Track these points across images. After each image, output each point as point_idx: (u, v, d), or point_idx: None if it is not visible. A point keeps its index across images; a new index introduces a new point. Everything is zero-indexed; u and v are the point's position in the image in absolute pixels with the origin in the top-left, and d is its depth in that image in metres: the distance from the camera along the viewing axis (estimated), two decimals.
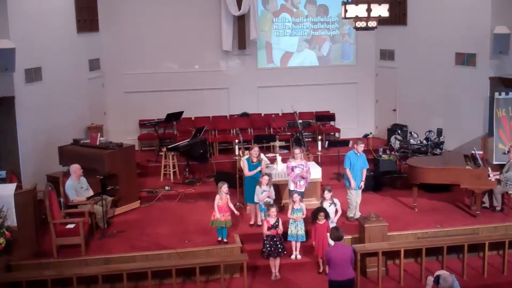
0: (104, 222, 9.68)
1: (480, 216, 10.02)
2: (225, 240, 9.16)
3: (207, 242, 9.14)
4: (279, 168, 10.65)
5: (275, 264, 8.63)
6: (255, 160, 9.89)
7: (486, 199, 10.41)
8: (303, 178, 9.61)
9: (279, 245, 8.51)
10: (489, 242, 8.75)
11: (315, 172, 10.58)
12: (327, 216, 8.63)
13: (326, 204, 8.89)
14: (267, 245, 8.49)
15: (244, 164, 10.00)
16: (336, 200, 9.05)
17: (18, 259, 8.44)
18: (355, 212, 10.01)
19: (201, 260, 8.47)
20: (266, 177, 9.42)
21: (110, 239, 9.40)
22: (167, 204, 11.16)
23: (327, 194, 8.93)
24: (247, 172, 9.90)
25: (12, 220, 8.39)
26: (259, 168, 9.86)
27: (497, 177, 10.15)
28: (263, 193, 9.38)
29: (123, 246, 9.12)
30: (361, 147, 9.87)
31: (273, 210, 8.52)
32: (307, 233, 9.04)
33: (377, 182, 11.75)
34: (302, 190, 9.61)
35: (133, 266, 8.31)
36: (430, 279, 6.25)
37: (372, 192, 11.56)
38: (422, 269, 8.59)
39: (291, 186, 9.68)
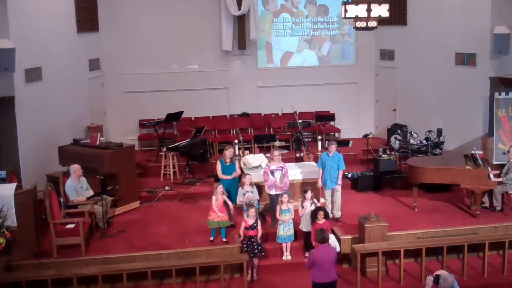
0: (104, 222, 9.67)
1: (480, 216, 10.02)
2: (224, 239, 9.15)
3: (207, 242, 9.14)
4: None
5: (253, 264, 8.61)
6: (228, 161, 9.79)
7: (486, 199, 10.41)
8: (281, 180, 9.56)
9: (255, 246, 8.50)
10: (489, 242, 8.75)
11: (315, 172, 10.57)
12: (326, 215, 8.64)
13: (307, 204, 8.91)
14: (244, 245, 8.51)
15: (217, 165, 9.90)
16: (316, 200, 9.08)
17: (18, 259, 8.45)
18: (334, 212, 9.94)
19: (201, 260, 8.47)
20: (248, 177, 9.35)
21: (110, 239, 9.40)
22: (167, 204, 11.16)
23: (308, 194, 8.93)
24: (220, 175, 9.82)
25: (12, 220, 8.39)
26: (232, 176, 9.80)
27: (499, 179, 10.12)
28: (245, 194, 9.29)
29: (123, 246, 9.12)
30: (331, 147, 9.81)
31: (253, 211, 8.52)
32: (296, 233, 9.04)
33: (377, 182, 11.75)
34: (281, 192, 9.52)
35: (133, 266, 8.31)
36: (430, 279, 6.24)
37: (372, 192, 11.57)
38: (422, 269, 8.59)
39: (272, 191, 9.57)
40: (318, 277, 7.13)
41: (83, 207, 9.45)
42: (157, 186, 11.86)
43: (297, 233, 9.13)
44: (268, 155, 12.06)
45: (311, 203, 8.91)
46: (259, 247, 8.55)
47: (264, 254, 8.73)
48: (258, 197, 9.46)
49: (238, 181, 9.91)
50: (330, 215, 9.81)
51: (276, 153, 9.72)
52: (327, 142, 10.26)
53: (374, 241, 8.67)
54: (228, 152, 9.80)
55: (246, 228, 8.52)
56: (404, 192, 11.32)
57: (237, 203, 9.71)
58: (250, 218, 8.53)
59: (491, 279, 8.64)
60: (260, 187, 9.98)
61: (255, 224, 8.54)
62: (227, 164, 9.84)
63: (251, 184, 9.40)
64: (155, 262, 8.52)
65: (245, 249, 8.50)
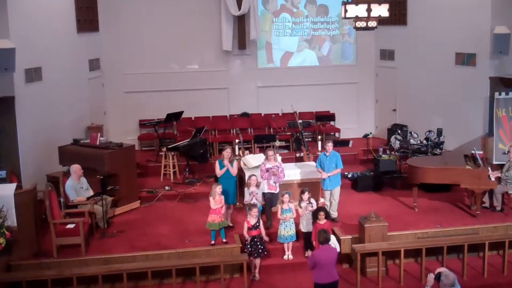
0: (104, 222, 9.67)
1: (480, 216, 10.02)
2: (224, 240, 9.15)
3: (207, 242, 9.13)
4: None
5: (255, 264, 8.62)
6: (225, 161, 9.76)
7: (486, 199, 10.41)
8: (274, 175, 9.59)
9: (259, 246, 8.51)
10: (489, 242, 8.75)
11: (315, 172, 10.57)
12: (327, 216, 8.63)
13: (303, 205, 8.90)
14: (248, 246, 8.51)
15: (216, 165, 9.88)
16: (313, 200, 9.04)
17: (18, 259, 8.45)
18: (331, 212, 9.93)
19: (201, 260, 8.47)
20: (254, 178, 9.34)
21: (110, 239, 9.40)
22: (167, 204, 11.16)
23: (306, 195, 8.93)
24: (217, 172, 9.82)
25: (12, 220, 8.39)
26: (224, 169, 9.72)
27: (498, 175, 10.16)
28: (251, 194, 9.28)
29: (123, 246, 9.12)
30: (328, 146, 9.82)
31: (255, 211, 8.52)
32: (298, 233, 9.05)
33: (377, 182, 11.75)
34: (276, 191, 9.60)
35: (133, 266, 8.31)
36: (431, 276, 6.24)
37: (372, 192, 11.57)
38: (422, 269, 8.59)
39: (265, 189, 9.64)
40: (321, 277, 7.11)
41: (83, 207, 9.45)
42: (157, 186, 11.85)
43: (299, 233, 9.13)
44: None
45: (307, 203, 8.91)
46: (263, 247, 8.55)
47: (266, 253, 8.73)
48: (261, 199, 9.46)
49: (235, 182, 9.91)
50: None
51: (270, 153, 9.80)
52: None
53: (374, 241, 8.67)
54: (226, 153, 9.79)
55: (249, 228, 8.51)
56: (404, 192, 11.32)
57: (237, 204, 9.63)
58: (252, 218, 8.52)
59: (491, 279, 8.64)
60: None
61: (257, 224, 8.53)
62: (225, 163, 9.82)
63: (257, 185, 9.38)
64: (155, 262, 8.52)
65: (249, 249, 8.49)
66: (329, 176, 9.77)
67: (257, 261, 8.62)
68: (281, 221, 8.90)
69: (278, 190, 9.68)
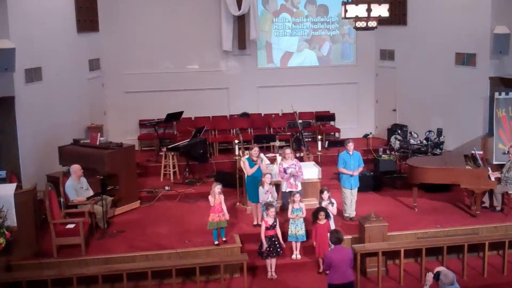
0: (104, 222, 9.67)
1: (480, 216, 10.01)
2: (223, 238, 9.13)
3: (207, 242, 9.13)
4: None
5: (271, 263, 8.64)
6: (255, 159, 9.82)
7: (486, 199, 10.41)
8: (294, 176, 9.58)
9: (277, 245, 8.53)
10: (489, 242, 8.75)
11: (315, 172, 10.59)
12: (327, 216, 8.63)
13: (324, 204, 8.89)
14: (266, 246, 8.51)
15: (245, 163, 9.92)
16: (333, 200, 9.05)
17: (18, 259, 8.45)
18: (350, 212, 10.01)
19: (201, 260, 8.48)
20: (268, 176, 9.35)
21: (110, 239, 9.39)
22: (167, 204, 11.16)
23: (326, 194, 8.92)
24: (249, 171, 9.81)
25: (12, 220, 8.38)
26: (256, 166, 9.75)
27: (498, 175, 10.16)
28: (266, 193, 9.28)
29: (123, 246, 9.11)
30: (351, 146, 9.84)
31: (272, 210, 8.52)
32: (308, 233, 9.05)
33: (377, 182, 11.75)
34: (298, 189, 9.59)
35: (133, 266, 8.31)
36: (430, 275, 6.25)
37: (372, 192, 11.57)
38: (422, 269, 8.59)
39: (285, 188, 9.63)
40: (335, 278, 7.06)
41: (83, 207, 9.44)
42: (157, 186, 11.85)
43: (308, 233, 9.09)
44: (268, 155, 12.12)
45: (329, 203, 8.90)
46: (280, 246, 8.57)
47: (282, 252, 8.75)
48: (276, 196, 9.43)
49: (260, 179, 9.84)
50: (346, 214, 9.89)
51: (288, 151, 9.77)
52: (345, 141, 10.18)
53: (374, 241, 8.67)
54: (254, 151, 9.79)
55: (266, 228, 8.50)
56: (404, 192, 11.32)
57: (237, 204, 9.60)
58: (269, 217, 8.51)
59: (491, 279, 8.65)
60: (277, 186, 9.89)
61: (274, 224, 8.54)
62: (255, 161, 9.80)
63: (270, 184, 9.34)
64: (155, 262, 8.52)
65: (267, 249, 8.48)
66: (353, 175, 9.78)
67: (273, 261, 8.62)
68: (292, 220, 8.90)
69: (299, 187, 9.63)
